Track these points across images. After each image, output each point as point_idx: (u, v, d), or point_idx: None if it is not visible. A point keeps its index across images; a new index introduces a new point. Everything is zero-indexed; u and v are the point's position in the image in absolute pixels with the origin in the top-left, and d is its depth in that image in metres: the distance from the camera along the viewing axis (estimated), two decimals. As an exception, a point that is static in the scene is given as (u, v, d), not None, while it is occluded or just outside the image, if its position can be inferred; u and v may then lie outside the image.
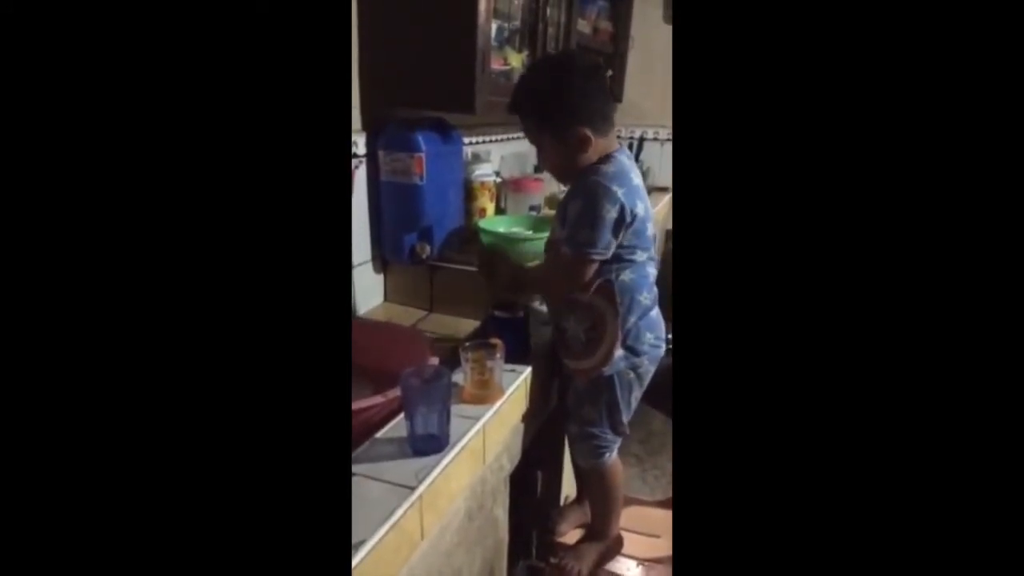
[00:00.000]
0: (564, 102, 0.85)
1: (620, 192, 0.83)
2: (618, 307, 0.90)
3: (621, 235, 0.85)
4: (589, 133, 0.86)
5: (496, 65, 1.27)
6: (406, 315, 1.29)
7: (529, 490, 1.17)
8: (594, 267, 0.85)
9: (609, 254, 0.85)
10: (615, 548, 1.12)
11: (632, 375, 0.97)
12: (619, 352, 0.93)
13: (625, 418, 1.02)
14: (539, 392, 0.98)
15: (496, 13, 1.23)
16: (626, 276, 0.90)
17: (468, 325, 1.20)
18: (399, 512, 0.59)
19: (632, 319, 0.92)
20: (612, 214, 0.82)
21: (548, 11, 1.42)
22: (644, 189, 0.90)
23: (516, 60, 1.39)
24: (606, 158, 0.88)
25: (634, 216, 0.85)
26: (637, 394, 1.01)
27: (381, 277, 1.35)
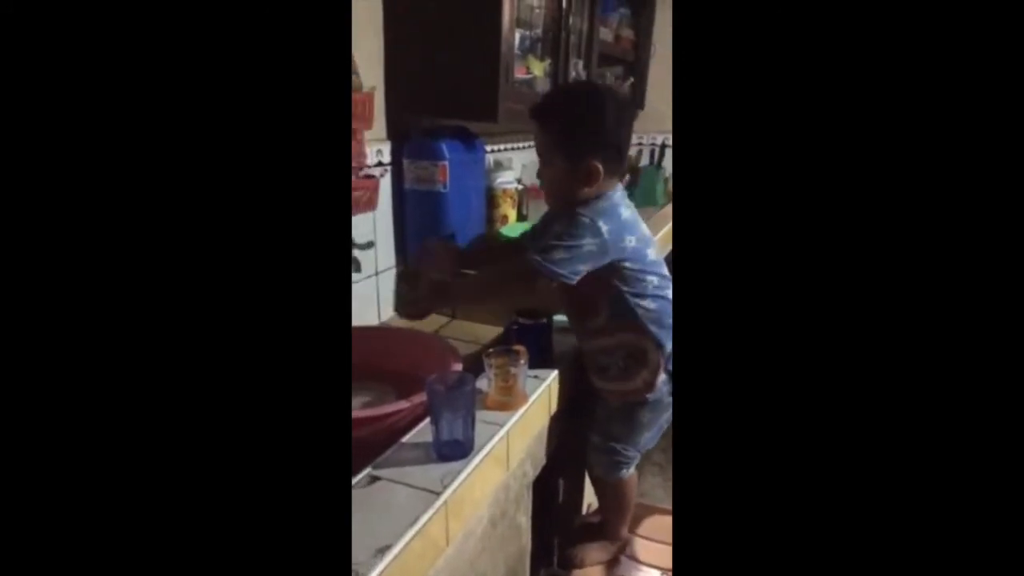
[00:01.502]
0: (590, 132, 0.85)
1: (605, 229, 0.84)
2: (655, 336, 0.91)
3: (594, 265, 0.85)
4: (601, 168, 0.85)
5: (518, 74, 1.28)
6: (428, 321, 1.29)
7: (551, 498, 1.17)
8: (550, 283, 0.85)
9: (574, 281, 0.84)
10: (621, 548, 1.17)
11: (670, 398, 0.97)
12: (662, 377, 0.93)
13: (654, 437, 1.02)
14: (566, 395, 0.98)
15: (518, 22, 1.24)
16: (648, 304, 0.90)
17: (490, 332, 1.21)
18: (425, 517, 0.59)
19: (669, 344, 0.92)
20: (591, 247, 0.83)
21: (571, 19, 1.42)
22: (637, 219, 0.90)
23: (538, 68, 1.40)
24: (601, 195, 0.88)
25: (622, 250, 0.86)
26: (670, 413, 1.01)
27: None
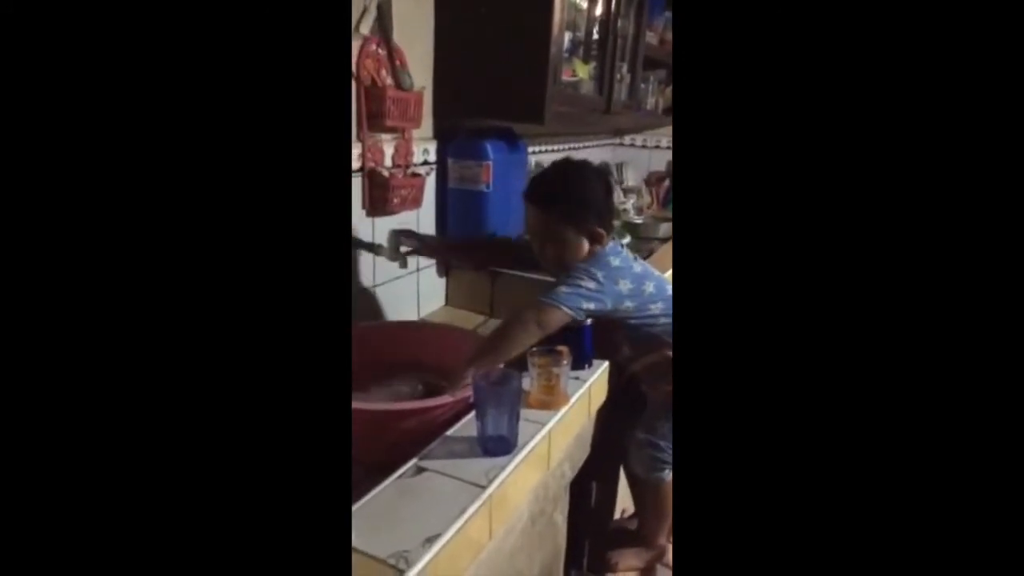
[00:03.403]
0: (591, 206, 0.97)
1: (599, 275, 0.94)
2: None
3: (598, 307, 0.92)
4: (604, 233, 0.98)
5: (564, 76, 1.29)
6: (466, 319, 1.31)
7: (584, 500, 1.17)
8: (560, 319, 0.89)
9: (582, 317, 0.92)
10: (658, 556, 1.17)
11: None
12: None
13: None
14: (612, 387, 1.00)
15: (565, 24, 1.25)
16: (663, 322, 0.98)
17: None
18: (471, 510, 0.60)
19: None
20: (589, 286, 0.93)
21: (619, 23, 1.42)
22: (628, 265, 0.98)
23: (583, 71, 1.40)
24: (593, 252, 0.98)
25: (618, 293, 0.94)
26: None
27: (443, 281, 1.38)
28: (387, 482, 0.63)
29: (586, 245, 0.98)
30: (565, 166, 1.01)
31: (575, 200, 0.97)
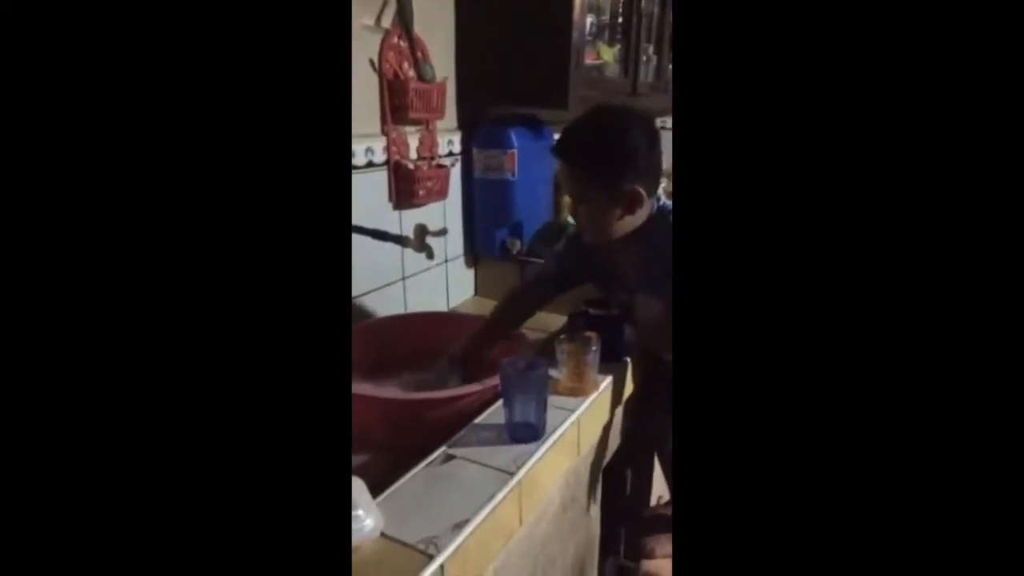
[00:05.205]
0: (624, 158, 0.81)
1: None
2: None
3: None
4: (644, 194, 0.82)
5: (588, 60, 1.27)
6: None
7: (619, 486, 1.16)
8: None
9: None
10: None
11: None
12: None
13: None
14: (639, 379, 0.98)
15: (588, 7, 1.23)
16: None
17: (555, 320, 1.21)
18: (500, 495, 0.60)
19: None
20: None
21: (642, 3, 1.39)
22: None
23: (608, 54, 1.38)
24: (651, 215, 0.85)
25: None
26: None
27: (472, 271, 1.39)
28: (416, 470, 0.64)
29: (624, 210, 0.83)
30: (599, 114, 0.85)
31: (608, 153, 0.81)
